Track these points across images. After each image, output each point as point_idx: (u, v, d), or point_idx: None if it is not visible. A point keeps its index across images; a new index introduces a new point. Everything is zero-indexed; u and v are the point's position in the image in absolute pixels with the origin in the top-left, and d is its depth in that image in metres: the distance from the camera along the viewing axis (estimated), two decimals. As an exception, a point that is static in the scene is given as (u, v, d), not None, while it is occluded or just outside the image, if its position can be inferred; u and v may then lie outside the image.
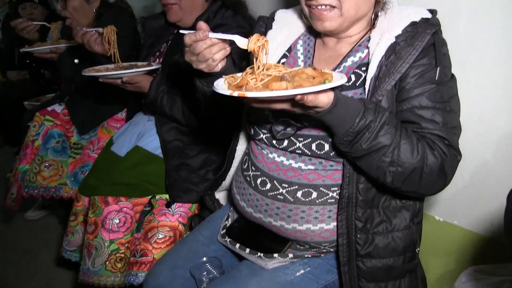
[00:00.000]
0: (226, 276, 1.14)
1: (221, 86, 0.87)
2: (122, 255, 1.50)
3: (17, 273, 2.14)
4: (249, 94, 0.77)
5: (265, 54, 0.91)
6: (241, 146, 1.26)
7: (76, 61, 1.87)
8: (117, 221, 1.51)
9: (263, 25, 1.19)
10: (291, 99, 0.79)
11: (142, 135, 1.65)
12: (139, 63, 1.62)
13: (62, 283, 2.05)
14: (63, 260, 2.07)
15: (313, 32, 1.13)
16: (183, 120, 1.51)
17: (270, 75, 0.84)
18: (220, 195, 1.39)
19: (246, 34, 0.94)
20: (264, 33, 1.15)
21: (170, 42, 1.71)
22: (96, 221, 1.51)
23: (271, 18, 1.19)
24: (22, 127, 2.87)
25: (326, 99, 0.80)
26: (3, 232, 2.51)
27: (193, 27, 0.95)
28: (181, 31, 0.98)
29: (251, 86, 0.83)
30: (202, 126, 1.50)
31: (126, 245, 1.51)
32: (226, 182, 1.31)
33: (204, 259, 1.20)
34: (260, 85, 0.83)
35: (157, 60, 1.68)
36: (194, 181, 1.55)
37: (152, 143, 1.61)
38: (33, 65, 3.22)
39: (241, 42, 0.93)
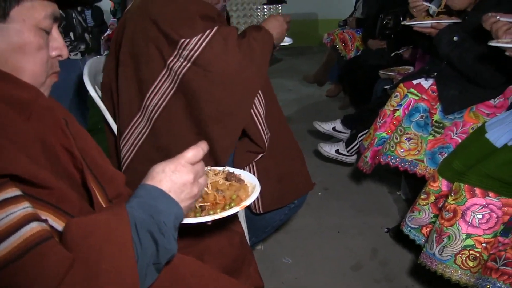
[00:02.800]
0: None
1: None
2: (477, 254, 1.38)
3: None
4: None
5: None
6: None
7: (455, 38, 1.77)
8: (480, 216, 1.38)
9: None
10: None
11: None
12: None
13: (389, 251, 2.10)
14: (398, 232, 2.14)
15: None
16: None
17: None
18: None
19: None
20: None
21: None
22: (456, 209, 1.42)
23: None
24: (372, 94, 3.06)
25: None
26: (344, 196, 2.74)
27: None
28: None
29: None
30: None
31: (485, 245, 1.37)
32: None
33: None
34: None
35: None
36: None
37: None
38: (391, 36, 3.33)
39: None
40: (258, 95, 1.45)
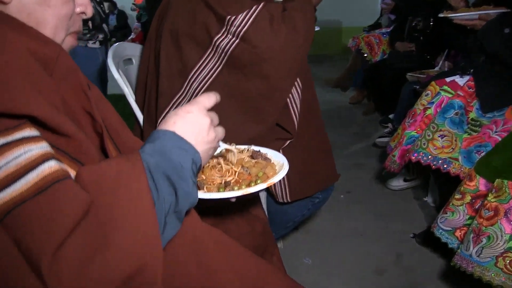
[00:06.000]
0: None
1: None
2: (522, 258, 1.26)
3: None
4: None
5: None
6: None
7: (506, 30, 1.66)
8: (525, 216, 1.27)
9: None
10: None
11: None
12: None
13: (414, 257, 1.98)
14: (425, 238, 2.03)
15: None
16: None
17: None
18: None
19: None
20: None
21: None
22: (497, 208, 1.31)
23: None
24: (399, 98, 2.96)
25: None
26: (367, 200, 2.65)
27: None
28: None
29: None
30: None
31: (530, 247, 1.25)
32: None
33: None
34: None
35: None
36: None
37: None
38: (420, 38, 3.23)
39: None
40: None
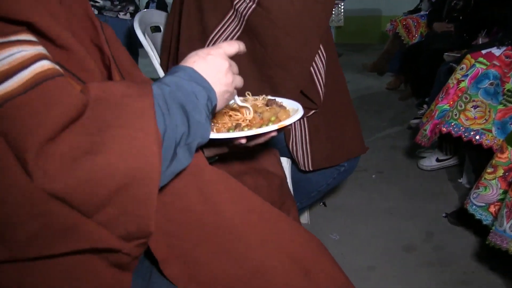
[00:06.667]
0: None
1: None
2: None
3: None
4: None
5: None
6: None
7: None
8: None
9: None
10: None
11: None
12: None
13: (446, 235, 1.93)
14: (457, 217, 1.97)
15: None
16: None
17: None
18: None
19: None
20: None
21: None
22: (529, 177, 1.25)
23: None
24: (435, 80, 2.86)
25: None
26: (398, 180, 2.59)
27: None
28: None
29: None
30: None
31: None
32: None
33: None
34: None
35: None
36: None
37: None
38: (460, 18, 3.12)
39: None
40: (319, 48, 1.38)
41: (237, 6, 1.30)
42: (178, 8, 1.45)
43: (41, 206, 0.49)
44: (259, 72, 1.35)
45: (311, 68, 1.38)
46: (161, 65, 1.53)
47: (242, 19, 1.31)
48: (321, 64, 1.39)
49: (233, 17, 1.32)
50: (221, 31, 1.33)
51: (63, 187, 0.48)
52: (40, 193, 0.48)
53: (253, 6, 1.28)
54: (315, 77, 1.39)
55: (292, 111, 0.91)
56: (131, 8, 2.72)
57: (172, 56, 1.46)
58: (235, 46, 0.73)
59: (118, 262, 0.60)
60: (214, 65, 0.69)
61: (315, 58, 1.37)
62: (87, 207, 0.51)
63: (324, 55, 1.40)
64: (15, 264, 0.52)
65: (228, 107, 0.91)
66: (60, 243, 0.52)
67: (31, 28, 0.54)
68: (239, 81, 0.76)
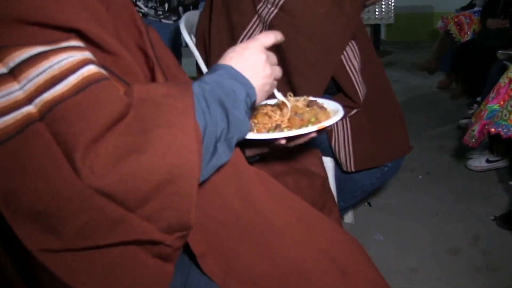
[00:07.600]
0: None
1: None
2: None
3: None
4: None
5: None
6: None
7: None
8: None
9: None
10: None
11: None
12: None
13: (494, 239, 1.88)
14: (507, 221, 1.92)
15: None
16: None
17: None
18: None
19: None
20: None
21: None
22: None
23: None
24: (488, 77, 2.77)
25: None
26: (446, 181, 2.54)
27: None
28: None
29: None
30: None
31: None
32: None
33: None
34: None
35: None
36: None
37: None
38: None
39: None
40: (352, 46, 1.38)
41: (260, 11, 1.32)
42: (209, 5, 1.49)
43: (89, 201, 0.52)
44: (285, 76, 1.35)
45: (346, 67, 1.37)
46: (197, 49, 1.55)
47: (265, 24, 1.33)
48: (355, 61, 1.39)
49: (257, 22, 1.34)
50: (247, 36, 1.35)
51: (107, 183, 0.51)
52: (87, 189, 0.51)
53: (276, 11, 1.29)
54: (351, 75, 1.39)
55: (333, 112, 0.94)
56: (174, 18, 2.77)
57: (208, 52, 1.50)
58: (271, 37, 0.75)
59: (160, 254, 0.63)
60: (252, 59, 0.71)
61: (350, 55, 1.37)
62: (131, 202, 0.54)
63: (357, 51, 1.39)
64: (67, 254, 0.56)
65: (268, 107, 0.95)
66: (106, 235, 0.55)
67: (79, 34, 0.58)
68: (278, 71, 0.77)
